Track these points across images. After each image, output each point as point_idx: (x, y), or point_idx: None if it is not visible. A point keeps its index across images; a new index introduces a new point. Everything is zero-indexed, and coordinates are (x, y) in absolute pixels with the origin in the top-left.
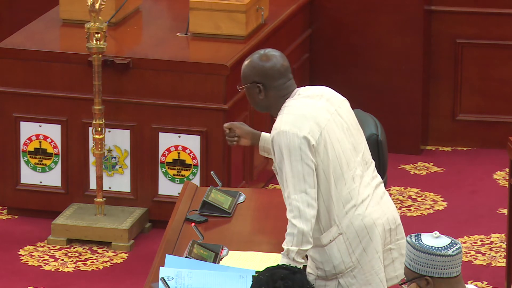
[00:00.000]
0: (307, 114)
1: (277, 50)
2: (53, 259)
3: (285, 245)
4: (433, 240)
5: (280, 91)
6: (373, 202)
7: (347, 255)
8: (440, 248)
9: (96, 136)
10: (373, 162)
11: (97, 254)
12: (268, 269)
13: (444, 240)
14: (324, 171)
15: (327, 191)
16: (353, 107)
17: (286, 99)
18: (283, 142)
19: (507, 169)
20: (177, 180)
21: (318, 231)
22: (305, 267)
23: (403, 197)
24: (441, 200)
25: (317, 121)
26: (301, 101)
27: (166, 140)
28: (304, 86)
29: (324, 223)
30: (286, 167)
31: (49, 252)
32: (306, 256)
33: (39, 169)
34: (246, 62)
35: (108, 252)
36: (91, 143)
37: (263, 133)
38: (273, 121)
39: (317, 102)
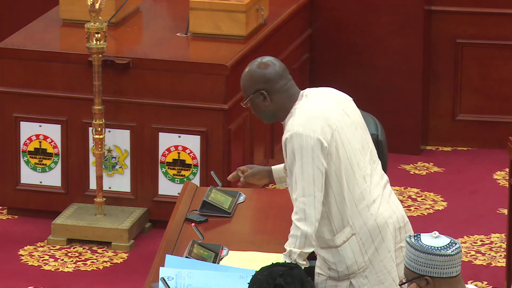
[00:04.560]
0: (319, 115)
1: (269, 56)
2: (53, 259)
3: (287, 246)
4: (433, 240)
5: (284, 92)
6: (384, 201)
7: (360, 255)
8: (439, 248)
9: (96, 136)
10: (379, 161)
11: (97, 254)
12: (264, 268)
13: (443, 240)
14: (336, 172)
15: (339, 192)
16: None
17: (294, 101)
18: (296, 144)
19: (507, 169)
20: (177, 180)
21: (331, 233)
22: (305, 268)
23: (403, 197)
24: (441, 200)
25: (329, 123)
26: (311, 102)
27: (166, 140)
28: (304, 86)
29: (337, 224)
30: (297, 169)
31: (49, 252)
32: (308, 257)
33: (39, 169)
34: (243, 75)
35: (108, 252)
36: (91, 143)
37: (273, 167)
38: (274, 124)
39: (326, 102)
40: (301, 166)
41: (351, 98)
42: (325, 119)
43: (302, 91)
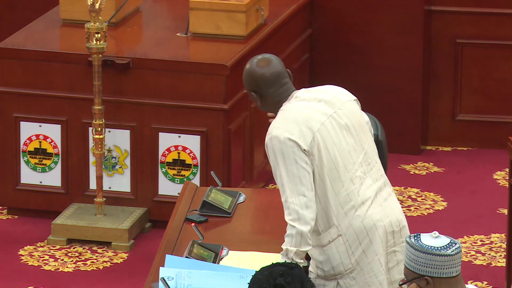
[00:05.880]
0: (298, 119)
1: (271, 54)
2: (53, 259)
3: (284, 246)
4: (433, 240)
5: (274, 97)
6: (375, 204)
7: (346, 257)
8: (439, 248)
9: (96, 136)
10: (378, 162)
11: (97, 254)
12: (264, 268)
13: (443, 240)
14: (319, 174)
15: (323, 193)
16: None
17: (283, 102)
18: (276, 147)
19: (507, 169)
20: (177, 180)
21: (316, 232)
22: (305, 267)
23: (403, 197)
24: (441, 200)
25: (309, 125)
26: (295, 105)
27: (166, 140)
28: (304, 86)
29: (322, 225)
30: (282, 172)
31: (49, 252)
32: (307, 257)
33: (39, 169)
34: (244, 70)
35: (108, 252)
36: (91, 143)
37: None
38: None
39: (313, 105)
40: (285, 168)
41: (354, 98)
42: (305, 122)
43: (294, 92)
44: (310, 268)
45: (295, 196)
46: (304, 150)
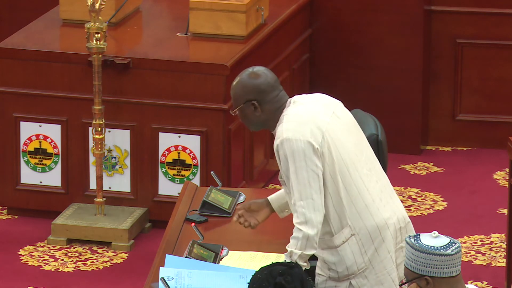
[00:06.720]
0: (306, 119)
1: (261, 66)
2: (53, 259)
3: (289, 247)
4: (432, 239)
5: (275, 103)
6: (384, 202)
7: (359, 256)
8: (439, 248)
9: (96, 136)
10: (377, 160)
11: (97, 254)
12: (264, 268)
13: (443, 240)
14: (331, 173)
15: (335, 193)
16: (353, 107)
17: (282, 109)
18: (287, 149)
19: (507, 169)
20: (177, 180)
21: (328, 234)
22: (307, 270)
23: (403, 197)
24: (441, 200)
25: (318, 125)
26: (298, 108)
27: (166, 140)
28: (304, 86)
29: (335, 226)
30: (292, 174)
31: (49, 252)
32: (313, 258)
33: (39, 169)
34: (234, 84)
35: (108, 252)
36: (91, 143)
37: (269, 198)
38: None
39: (313, 107)
40: (295, 170)
41: (340, 102)
42: (314, 122)
43: (290, 98)
44: (318, 271)
45: (304, 199)
46: (317, 149)
